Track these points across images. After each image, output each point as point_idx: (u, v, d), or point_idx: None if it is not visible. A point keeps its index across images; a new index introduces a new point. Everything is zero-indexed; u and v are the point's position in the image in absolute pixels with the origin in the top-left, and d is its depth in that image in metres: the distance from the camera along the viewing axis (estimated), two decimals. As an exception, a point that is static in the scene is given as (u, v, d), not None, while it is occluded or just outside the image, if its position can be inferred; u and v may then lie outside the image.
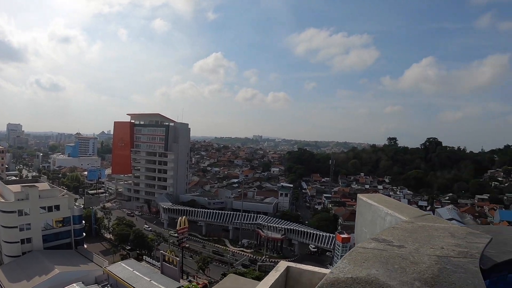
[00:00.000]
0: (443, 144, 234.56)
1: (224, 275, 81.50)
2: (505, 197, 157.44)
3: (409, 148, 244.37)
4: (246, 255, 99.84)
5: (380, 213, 6.23)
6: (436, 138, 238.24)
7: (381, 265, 3.03)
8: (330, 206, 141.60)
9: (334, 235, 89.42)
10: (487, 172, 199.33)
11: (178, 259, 64.42)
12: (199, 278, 78.50)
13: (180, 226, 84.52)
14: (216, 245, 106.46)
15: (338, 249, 79.47)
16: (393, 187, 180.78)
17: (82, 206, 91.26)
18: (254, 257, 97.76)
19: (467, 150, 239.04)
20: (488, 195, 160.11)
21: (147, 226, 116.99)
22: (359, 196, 7.62)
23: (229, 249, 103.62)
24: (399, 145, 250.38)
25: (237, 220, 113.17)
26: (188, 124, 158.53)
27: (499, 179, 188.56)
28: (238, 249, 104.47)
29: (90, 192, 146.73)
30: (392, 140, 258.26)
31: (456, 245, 3.82)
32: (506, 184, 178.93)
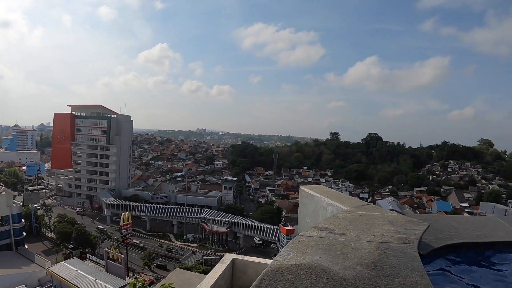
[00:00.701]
0: (384, 139, 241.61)
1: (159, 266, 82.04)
2: (442, 189, 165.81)
3: (351, 142, 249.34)
4: (191, 249, 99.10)
5: (322, 203, 6.35)
6: (377, 134, 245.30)
7: (324, 251, 3.11)
8: (274, 199, 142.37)
9: (278, 227, 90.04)
10: (425, 166, 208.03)
11: (123, 256, 62.72)
12: (145, 274, 77.33)
13: (123, 222, 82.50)
14: (161, 240, 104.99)
15: (283, 241, 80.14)
16: (335, 180, 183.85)
17: (21, 203, 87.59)
18: (200, 251, 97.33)
19: (406, 145, 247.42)
20: (426, 187, 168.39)
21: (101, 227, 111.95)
22: (302, 187, 7.73)
23: (174, 244, 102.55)
24: (341, 140, 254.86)
25: (181, 214, 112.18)
26: (130, 116, 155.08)
27: (437, 172, 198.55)
28: (183, 243, 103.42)
29: (29, 188, 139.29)
30: (335, 134, 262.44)
31: (395, 232, 3.95)
32: (443, 178, 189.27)
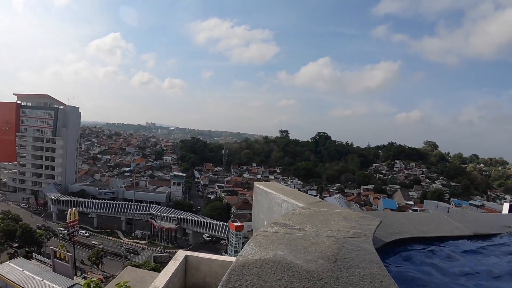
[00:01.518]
0: (332, 139, 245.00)
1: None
2: (388, 188, 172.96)
3: (300, 140, 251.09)
4: (140, 246, 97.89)
5: (277, 200, 6.49)
6: (326, 133, 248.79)
7: (286, 246, 3.23)
8: (223, 195, 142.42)
9: (227, 224, 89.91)
10: (372, 165, 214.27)
11: (70, 254, 60.86)
12: (94, 273, 75.54)
13: (70, 219, 79.85)
14: (109, 237, 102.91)
15: (232, 237, 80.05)
16: (284, 177, 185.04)
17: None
18: (149, 248, 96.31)
19: (354, 145, 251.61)
20: (373, 185, 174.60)
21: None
22: (256, 184, 7.84)
23: (122, 241, 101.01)
24: (290, 138, 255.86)
25: (130, 210, 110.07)
26: (78, 108, 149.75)
27: (383, 171, 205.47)
28: (132, 240, 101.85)
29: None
30: (284, 132, 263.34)
31: (350, 227, 4.13)
32: (389, 176, 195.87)
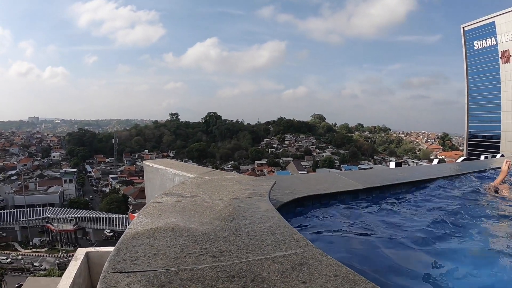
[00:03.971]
0: (223, 118, 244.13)
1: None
2: (281, 161, 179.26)
3: (191, 122, 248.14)
4: (41, 255, 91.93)
5: (168, 175, 6.29)
6: (216, 112, 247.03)
7: (178, 213, 3.06)
8: (118, 186, 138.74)
9: (127, 215, 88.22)
10: (264, 141, 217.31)
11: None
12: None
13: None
14: (5, 252, 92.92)
15: (134, 229, 78.69)
16: (178, 160, 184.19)
17: None
18: (50, 255, 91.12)
19: (245, 122, 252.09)
20: (266, 160, 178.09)
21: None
22: (145, 162, 7.56)
23: (20, 253, 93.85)
24: (181, 120, 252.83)
25: (22, 218, 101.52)
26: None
27: (275, 146, 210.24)
28: (31, 251, 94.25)
29: None
30: (174, 115, 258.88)
31: (245, 189, 4.04)
32: (281, 150, 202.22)
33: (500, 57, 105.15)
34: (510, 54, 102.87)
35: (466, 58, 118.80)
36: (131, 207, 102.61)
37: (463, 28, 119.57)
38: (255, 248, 2.22)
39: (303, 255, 2.11)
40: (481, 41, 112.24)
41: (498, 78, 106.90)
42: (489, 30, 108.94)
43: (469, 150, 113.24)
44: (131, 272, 2.03)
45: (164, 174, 6.50)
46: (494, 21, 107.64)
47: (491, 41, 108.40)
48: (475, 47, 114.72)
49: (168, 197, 3.67)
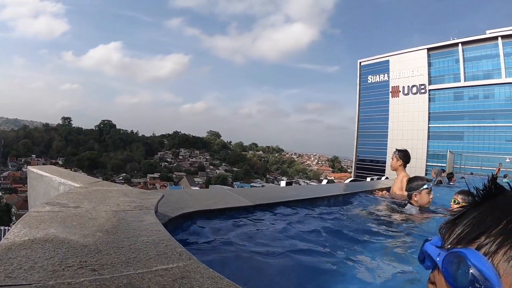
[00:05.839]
0: (117, 127, 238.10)
1: None
2: (174, 175, 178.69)
3: (84, 128, 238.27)
4: None
5: (53, 183, 6.05)
6: (111, 121, 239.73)
7: (59, 224, 2.95)
8: (1, 194, 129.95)
9: (8, 228, 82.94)
10: (158, 154, 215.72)
11: None
12: None
13: None
14: None
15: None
16: (67, 169, 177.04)
17: None
18: None
19: (139, 133, 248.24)
20: (159, 174, 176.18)
21: None
22: (30, 168, 7.19)
23: None
24: (73, 125, 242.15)
25: None
26: None
27: (168, 160, 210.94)
28: None
29: None
30: (67, 119, 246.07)
31: (131, 202, 4.00)
32: (174, 164, 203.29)
33: (390, 92, 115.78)
34: (399, 90, 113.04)
35: (359, 89, 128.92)
36: (14, 218, 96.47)
37: (360, 62, 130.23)
38: (136, 261, 2.20)
39: (185, 269, 2.12)
40: (374, 76, 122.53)
41: (387, 110, 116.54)
42: (383, 67, 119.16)
43: (357, 172, 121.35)
44: (5, 286, 1.93)
45: (48, 182, 6.24)
46: (388, 60, 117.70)
47: (384, 77, 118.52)
48: (368, 81, 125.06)
49: (50, 207, 3.53)
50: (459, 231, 0.78)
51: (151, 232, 2.89)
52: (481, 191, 0.59)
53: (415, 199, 6.52)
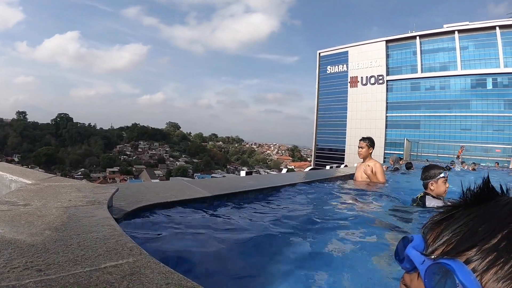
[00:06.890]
0: (75, 120, 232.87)
1: None
2: (133, 169, 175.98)
3: (40, 123, 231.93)
4: None
5: (4, 181, 5.86)
6: (68, 114, 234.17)
7: (6, 223, 2.84)
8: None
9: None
10: (116, 147, 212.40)
11: None
12: None
13: None
14: None
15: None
16: (24, 166, 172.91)
17: None
18: None
19: (97, 126, 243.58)
20: (119, 167, 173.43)
21: None
22: (-21, 166, 7.03)
23: None
24: (29, 120, 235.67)
25: None
26: None
27: (128, 153, 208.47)
28: None
29: None
30: (22, 114, 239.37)
31: (84, 197, 3.90)
32: (134, 157, 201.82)
33: (349, 82, 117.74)
34: (358, 80, 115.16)
35: (318, 79, 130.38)
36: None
37: (319, 53, 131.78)
38: (85, 259, 2.12)
39: (135, 264, 2.06)
40: (333, 66, 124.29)
41: (345, 100, 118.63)
42: (342, 58, 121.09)
43: (316, 161, 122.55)
44: None
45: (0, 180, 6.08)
46: (347, 51, 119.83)
47: (342, 67, 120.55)
48: (327, 71, 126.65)
49: (-3, 206, 3.42)
50: (447, 237, 0.72)
51: (102, 227, 2.80)
52: (472, 192, 0.80)
53: (431, 187, 6.43)
